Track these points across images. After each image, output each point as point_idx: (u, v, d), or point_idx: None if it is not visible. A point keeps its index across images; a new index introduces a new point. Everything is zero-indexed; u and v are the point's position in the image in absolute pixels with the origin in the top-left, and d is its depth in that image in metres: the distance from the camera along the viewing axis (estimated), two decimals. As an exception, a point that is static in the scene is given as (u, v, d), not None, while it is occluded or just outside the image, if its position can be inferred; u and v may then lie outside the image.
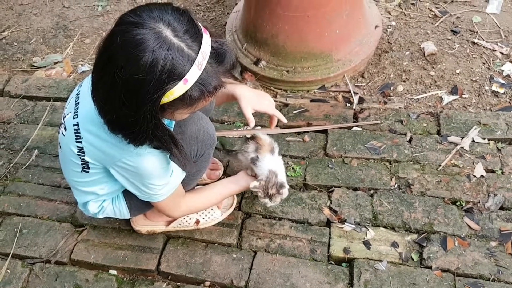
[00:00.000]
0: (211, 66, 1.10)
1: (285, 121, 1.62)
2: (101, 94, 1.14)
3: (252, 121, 1.51)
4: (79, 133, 1.33)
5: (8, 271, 1.73)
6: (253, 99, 1.55)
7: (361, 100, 2.15)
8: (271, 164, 1.59)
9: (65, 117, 1.41)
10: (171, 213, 1.57)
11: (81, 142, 1.33)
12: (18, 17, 2.93)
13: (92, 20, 2.86)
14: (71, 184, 1.54)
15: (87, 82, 1.39)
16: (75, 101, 1.38)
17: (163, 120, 1.19)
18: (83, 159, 1.36)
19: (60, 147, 1.45)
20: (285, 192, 1.56)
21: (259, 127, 2.10)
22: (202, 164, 1.58)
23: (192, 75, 1.07)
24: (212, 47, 1.10)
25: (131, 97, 1.07)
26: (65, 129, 1.38)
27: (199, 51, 1.07)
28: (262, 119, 2.12)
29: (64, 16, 2.89)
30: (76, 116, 1.34)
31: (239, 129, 2.12)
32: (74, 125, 1.34)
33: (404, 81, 2.23)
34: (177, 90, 1.07)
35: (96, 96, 1.17)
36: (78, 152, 1.35)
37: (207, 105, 1.23)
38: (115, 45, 1.05)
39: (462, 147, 1.90)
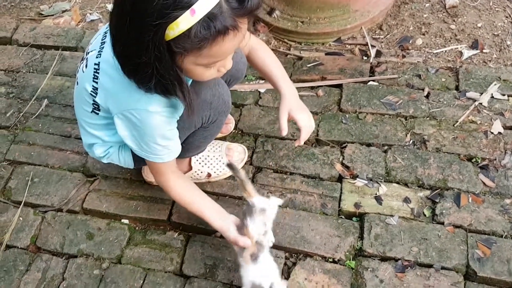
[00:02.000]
0: (228, 4, 1.01)
1: (301, 143, 1.51)
2: (113, 24, 1.09)
3: (284, 130, 1.45)
4: (98, 73, 1.29)
5: (21, 218, 1.75)
6: (294, 104, 1.49)
7: (378, 54, 2.08)
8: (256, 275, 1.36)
9: (88, 53, 1.36)
10: (163, 183, 1.46)
11: (96, 82, 1.30)
12: (24, -37, 2.84)
13: (100, -33, 2.76)
14: (80, 123, 1.51)
15: None
16: (102, 40, 1.33)
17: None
18: (95, 99, 1.33)
19: (77, 83, 1.42)
20: None
21: (262, 81, 2.05)
22: (214, 130, 1.54)
23: (201, 6, 0.97)
24: None
25: (136, 21, 1.00)
26: (86, 66, 1.34)
27: None
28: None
29: (71, -37, 2.80)
30: (99, 55, 1.30)
31: (251, 82, 2.07)
32: (95, 64, 1.30)
33: (424, 34, 2.15)
34: (182, 21, 0.97)
35: (110, 30, 1.11)
36: (91, 91, 1.32)
37: (221, 60, 1.13)
38: None
39: (481, 103, 1.85)
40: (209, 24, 0.99)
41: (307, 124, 1.50)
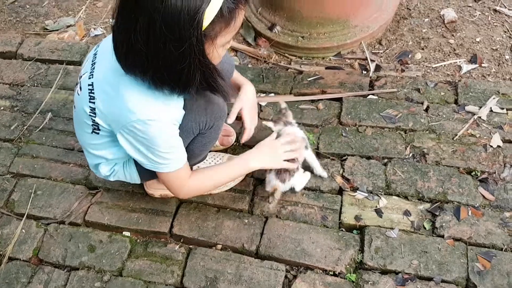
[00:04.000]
0: None
1: (242, 142, 1.68)
2: (141, 42, 1.11)
3: (231, 119, 1.59)
4: (93, 93, 1.32)
5: (23, 231, 1.76)
6: (248, 104, 1.63)
7: (377, 68, 2.11)
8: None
9: (81, 77, 1.40)
10: (177, 191, 1.51)
11: (94, 103, 1.33)
12: (30, -21, 2.89)
13: (104, -17, 2.82)
14: (83, 145, 1.55)
15: (105, 44, 1.37)
16: (92, 61, 1.37)
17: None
18: (94, 120, 1.35)
19: (75, 106, 1.46)
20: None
21: (272, 94, 2.07)
22: (212, 136, 1.56)
23: None
24: None
25: (172, 27, 1.07)
26: (80, 89, 1.38)
27: None
28: (276, 85, 2.10)
29: (76, -21, 2.85)
30: (91, 76, 1.34)
31: (252, 95, 2.09)
32: (89, 85, 1.33)
33: (423, 49, 2.18)
34: (213, 5, 1.08)
35: (134, 51, 1.14)
36: (90, 112, 1.35)
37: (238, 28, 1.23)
38: None
39: (480, 117, 1.86)
40: None
41: (250, 127, 1.64)
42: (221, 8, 1.10)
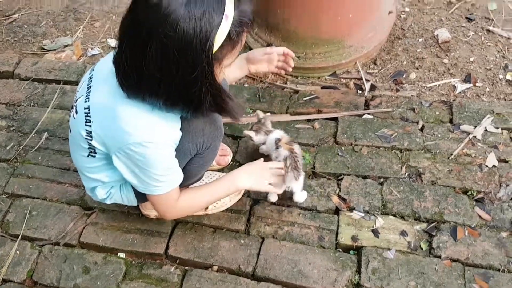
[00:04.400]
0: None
1: (289, 69, 1.76)
2: (152, 68, 1.13)
3: (271, 49, 1.70)
4: (89, 116, 1.32)
5: (18, 252, 1.74)
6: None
7: (372, 88, 2.12)
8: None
9: (76, 100, 1.40)
10: (165, 212, 1.52)
11: (90, 126, 1.33)
12: (28, 0, 2.91)
13: (102, 3, 2.85)
14: (79, 169, 1.54)
15: (100, 67, 1.38)
16: (88, 85, 1.37)
17: None
18: (90, 143, 1.35)
19: (70, 130, 1.46)
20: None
21: (268, 114, 2.08)
22: (209, 156, 1.56)
23: (230, 10, 1.12)
24: None
25: (186, 53, 1.09)
26: (76, 112, 1.38)
27: None
28: (272, 105, 2.11)
29: (74, -1, 2.88)
30: (87, 99, 1.34)
31: (249, 115, 2.10)
32: (85, 108, 1.34)
33: (417, 69, 2.20)
34: (222, 30, 1.11)
35: (146, 76, 1.15)
36: (86, 135, 1.35)
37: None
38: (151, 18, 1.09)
39: (475, 136, 1.87)
40: (241, 19, 1.15)
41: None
42: (229, 32, 1.13)
